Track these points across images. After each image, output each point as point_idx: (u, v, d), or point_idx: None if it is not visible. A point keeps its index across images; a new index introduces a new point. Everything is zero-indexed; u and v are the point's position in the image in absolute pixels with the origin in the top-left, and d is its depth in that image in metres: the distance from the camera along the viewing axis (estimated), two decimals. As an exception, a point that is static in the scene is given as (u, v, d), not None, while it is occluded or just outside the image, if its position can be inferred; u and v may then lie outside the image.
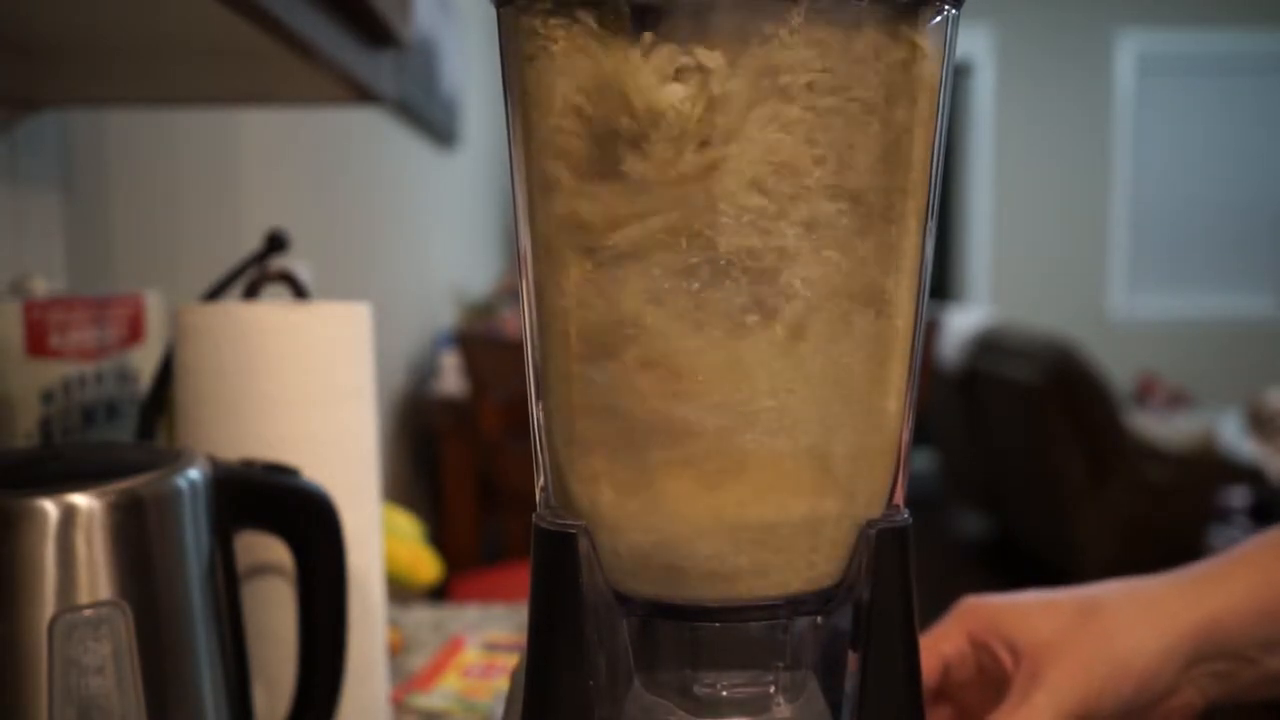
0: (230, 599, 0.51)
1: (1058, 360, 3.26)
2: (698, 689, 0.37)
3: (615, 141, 0.33)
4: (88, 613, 0.43)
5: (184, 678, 0.47)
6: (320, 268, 1.54)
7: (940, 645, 0.52)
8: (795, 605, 0.36)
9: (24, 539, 0.43)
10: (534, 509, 0.38)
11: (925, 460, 4.91)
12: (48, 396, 0.65)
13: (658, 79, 0.32)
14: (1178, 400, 5.04)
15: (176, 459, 0.49)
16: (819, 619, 0.38)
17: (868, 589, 0.36)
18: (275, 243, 0.66)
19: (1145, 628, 0.48)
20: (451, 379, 2.49)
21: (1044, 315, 5.17)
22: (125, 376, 0.73)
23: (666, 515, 0.35)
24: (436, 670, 0.82)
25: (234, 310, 0.60)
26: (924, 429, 4.43)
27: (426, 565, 0.99)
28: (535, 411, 0.38)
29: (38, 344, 0.64)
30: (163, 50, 0.73)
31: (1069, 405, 3.25)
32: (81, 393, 0.68)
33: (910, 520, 0.37)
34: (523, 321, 0.38)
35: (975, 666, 0.52)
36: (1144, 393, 5.13)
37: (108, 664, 0.43)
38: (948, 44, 0.35)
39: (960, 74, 5.37)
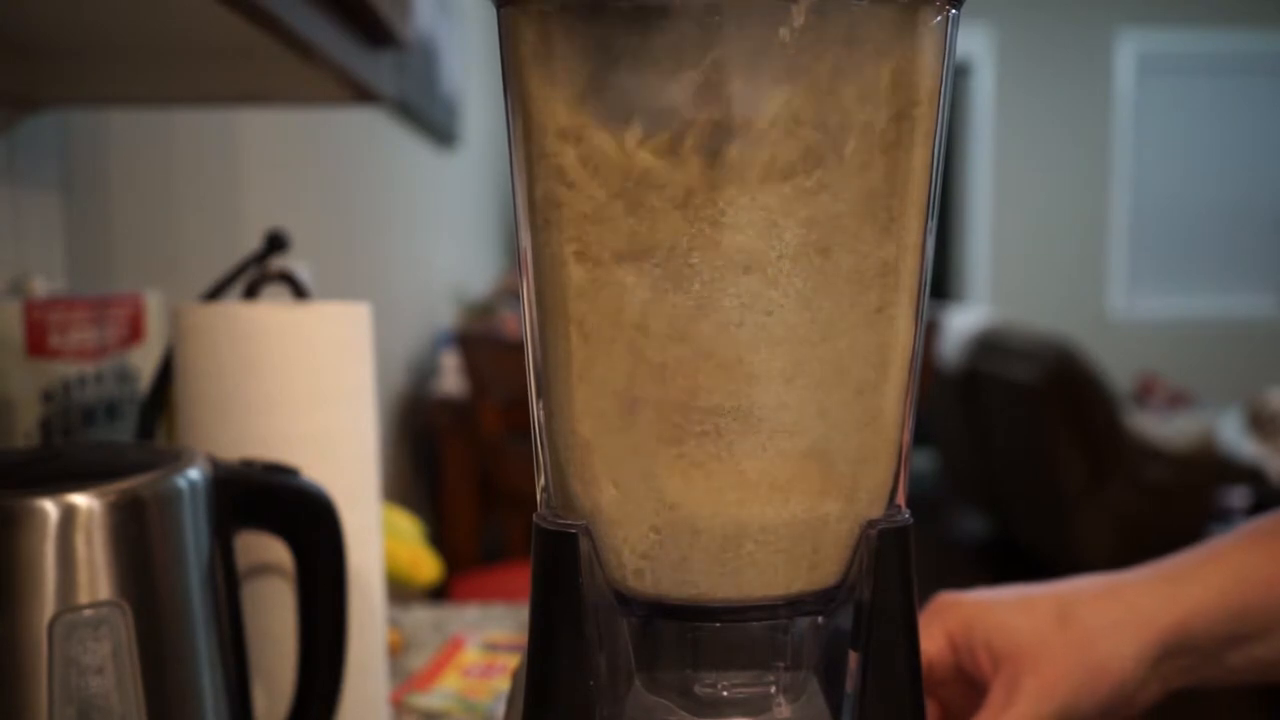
0: (230, 599, 0.51)
1: (1058, 360, 3.26)
2: (698, 689, 0.37)
3: (615, 141, 0.33)
4: (88, 613, 0.43)
5: (184, 678, 0.46)
6: (320, 268, 1.54)
7: (921, 643, 0.52)
8: (796, 605, 0.36)
9: (24, 539, 0.42)
10: (534, 509, 0.38)
11: (925, 460, 4.91)
12: (48, 396, 0.65)
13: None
14: (1178, 400, 5.04)
15: (176, 459, 0.49)
16: (820, 619, 0.38)
17: (869, 589, 0.36)
18: (275, 243, 0.66)
19: (1122, 633, 0.50)
20: (451, 379, 2.49)
21: (1044, 315, 5.17)
22: (125, 376, 0.73)
23: (667, 515, 0.35)
24: (436, 670, 0.82)
25: (234, 310, 0.60)
26: (924, 429, 4.43)
27: (426, 565, 0.99)
28: (536, 411, 0.38)
29: (38, 344, 0.64)
30: (163, 50, 0.73)
31: (1069, 405, 3.25)
32: (81, 393, 0.68)
33: (911, 520, 0.37)
34: (523, 321, 0.38)
35: (954, 665, 0.52)
36: (1144, 393, 5.12)
37: (108, 664, 0.43)
38: (948, 44, 0.35)
39: (960, 74, 5.37)
